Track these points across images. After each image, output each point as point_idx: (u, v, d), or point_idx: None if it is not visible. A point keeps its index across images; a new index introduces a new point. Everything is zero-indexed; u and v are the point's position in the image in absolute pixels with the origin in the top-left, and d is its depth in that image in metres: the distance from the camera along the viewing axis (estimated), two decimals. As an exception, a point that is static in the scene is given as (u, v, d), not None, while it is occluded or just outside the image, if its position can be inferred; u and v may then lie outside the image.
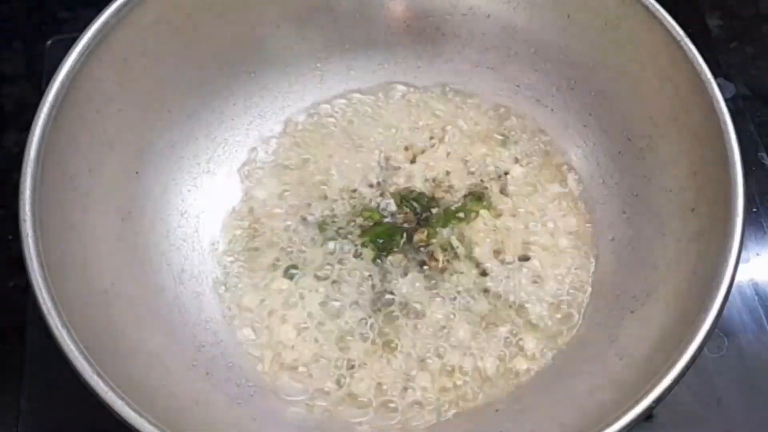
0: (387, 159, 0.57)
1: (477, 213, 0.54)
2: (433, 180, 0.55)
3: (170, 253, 0.51)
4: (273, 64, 0.57)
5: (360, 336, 0.49)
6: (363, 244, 0.52)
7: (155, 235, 0.50)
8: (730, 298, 0.40)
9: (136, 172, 0.50)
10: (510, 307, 0.50)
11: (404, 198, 0.54)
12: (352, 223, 0.53)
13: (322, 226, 0.53)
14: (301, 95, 0.59)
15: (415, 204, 0.54)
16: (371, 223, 0.53)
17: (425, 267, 0.51)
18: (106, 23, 0.47)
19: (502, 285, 0.51)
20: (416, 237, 0.52)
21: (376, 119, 0.59)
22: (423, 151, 0.57)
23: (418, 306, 0.50)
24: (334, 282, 0.51)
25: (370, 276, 0.51)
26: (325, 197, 0.55)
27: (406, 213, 0.54)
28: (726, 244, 0.40)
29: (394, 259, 0.52)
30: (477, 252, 0.52)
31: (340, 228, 0.53)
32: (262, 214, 0.54)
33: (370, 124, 0.58)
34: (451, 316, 0.50)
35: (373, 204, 0.54)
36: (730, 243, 0.40)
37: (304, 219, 0.54)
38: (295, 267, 0.52)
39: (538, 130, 0.57)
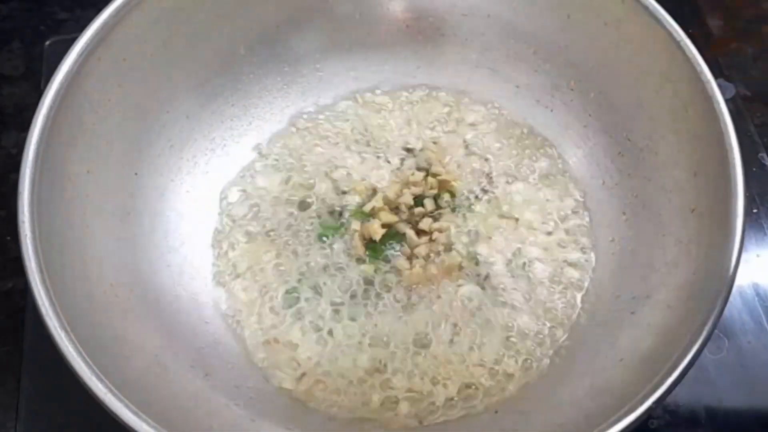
0: (387, 160, 0.57)
1: (478, 213, 0.54)
2: (432, 182, 0.55)
3: (169, 254, 0.51)
4: (272, 64, 0.57)
5: (361, 338, 0.49)
6: (366, 257, 0.52)
7: (154, 236, 0.50)
8: (731, 299, 0.40)
9: (135, 173, 0.50)
10: (509, 307, 0.50)
11: (401, 199, 0.54)
12: (353, 225, 0.53)
13: (323, 228, 0.53)
14: (300, 96, 0.59)
15: (416, 206, 0.54)
16: (368, 220, 0.53)
17: (425, 269, 0.51)
18: (105, 24, 0.46)
19: (502, 286, 0.51)
20: (418, 239, 0.52)
21: (375, 120, 0.59)
22: (422, 151, 0.57)
23: (419, 308, 0.50)
24: (334, 284, 0.51)
25: (371, 279, 0.51)
26: (326, 199, 0.55)
27: (411, 213, 0.54)
28: (726, 245, 0.40)
29: (396, 263, 0.52)
30: (478, 252, 0.52)
31: (340, 229, 0.53)
32: (262, 216, 0.54)
33: (369, 125, 0.58)
34: (452, 318, 0.50)
35: (371, 205, 0.54)
36: (730, 244, 0.40)
37: (305, 220, 0.54)
38: (300, 277, 0.52)
39: (539, 130, 0.57)
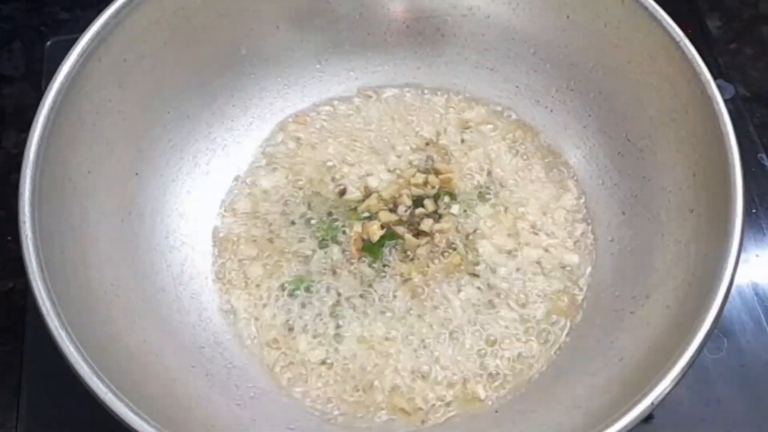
0: (388, 161, 0.57)
1: (478, 213, 0.54)
2: (433, 182, 0.55)
3: (170, 254, 0.51)
4: (273, 64, 0.57)
5: (361, 339, 0.49)
6: (365, 259, 0.52)
7: (155, 236, 0.50)
8: (730, 298, 0.40)
9: (136, 173, 0.50)
10: (509, 308, 0.50)
11: (401, 199, 0.54)
12: (352, 228, 0.53)
13: (323, 229, 0.53)
14: (300, 96, 0.59)
15: (416, 207, 0.54)
16: (365, 220, 0.53)
17: (425, 271, 0.52)
18: (105, 24, 0.47)
19: (502, 286, 0.51)
20: (417, 240, 0.52)
21: (376, 121, 0.59)
22: (422, 151, 0.57)
23: (419, 309, 0.50)
24: (334, 285, 0.51)
25: (371, 280, 0.51)
26: (326, 199, 0.55)
27: (411, 214, 0.54)
28: (725, 245, 0.40)
29: (396, 265, 0.52)
30: (478, 253, 0.52)
31: (340, 232, 0.53)
32: (262, 216, 0.54)
33: (369, 126, 0.58)
34: (452, 319, 0.50)
35: (371, 205, 0.54)
36: (729, 244, 0.40)
37: (306, 222, 0.54)
38: (299, 277, 0.52)
39: (538, 131, 0.58)
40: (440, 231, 0.53)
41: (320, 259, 0.52)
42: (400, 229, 0.53)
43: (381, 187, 0.55)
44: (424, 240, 0.52)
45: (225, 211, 0.55)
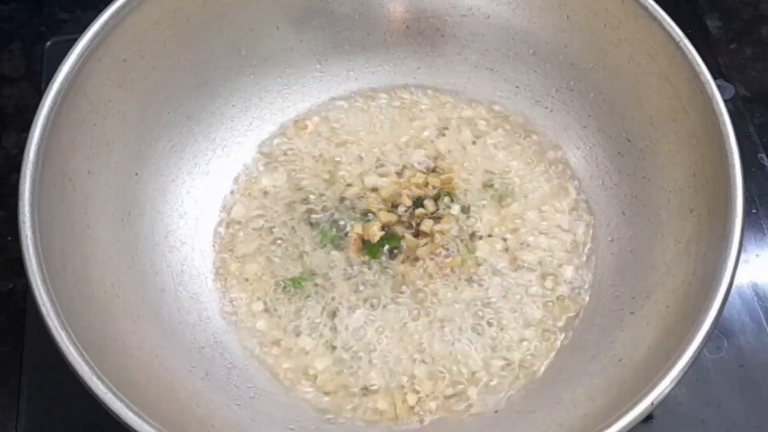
0: (388, 161, 0.57)
1: (478, 214, 0.54)
2: (434, 182, 0.55)
3: (170, 254, 0.51)
4: (272, 65, 0.57)
5: (361, 339, 0.49)
6: (365, 259, 0.52)
7: (155, 237, 0.50)
8: (730, 298, 0.40)
9: (136, 174, 0.50)
10: (510, 308, 0.50)
11: (401, 200, 0.54)
12: (352, 228, 0.53)
13: (323, 230, 0.53)
14: (300, 96, 0.59)
15: (417, 208, 0.54)
16: (365, 220, 0.53)
17: (425, 271, 0.52)
18: (105, 25, 0.47)
19: (502, 286, 0.51)
20: (417, 241, 0.52)
21: (376, 121, 0.59)
22: (422, 152, 0.57)
23: (418, 309, 0.50)
24: (334, 285, 0.51)
25: (371, 281, 0.51)
26: (326, 199, 0.55)
27: (412, 215, 0.54)
28: (725, 245, 0.41)
29: (396, 266, 0.52)
30: (478, 253, 0.52)
31: (340, 232, 0.53)
32: (262, 216, 0.54)
33: (369, 126, 0.58)
34: (453, 319, 0.50)
35: (371, 205, 0.54)
36: (729, 244, 0.40)
37: (305, 221, 0.54)
38: (299, 277, 0.52)
39: (538, 131, 0.58)
40: (440, 232, 0.53)
41: (320, 259, 0.52)
42: (400, 230, 0.53)
43: (381, 187, 0.55)
44: (424, 240, 0.52)
45: (225, 211, 0.55)
